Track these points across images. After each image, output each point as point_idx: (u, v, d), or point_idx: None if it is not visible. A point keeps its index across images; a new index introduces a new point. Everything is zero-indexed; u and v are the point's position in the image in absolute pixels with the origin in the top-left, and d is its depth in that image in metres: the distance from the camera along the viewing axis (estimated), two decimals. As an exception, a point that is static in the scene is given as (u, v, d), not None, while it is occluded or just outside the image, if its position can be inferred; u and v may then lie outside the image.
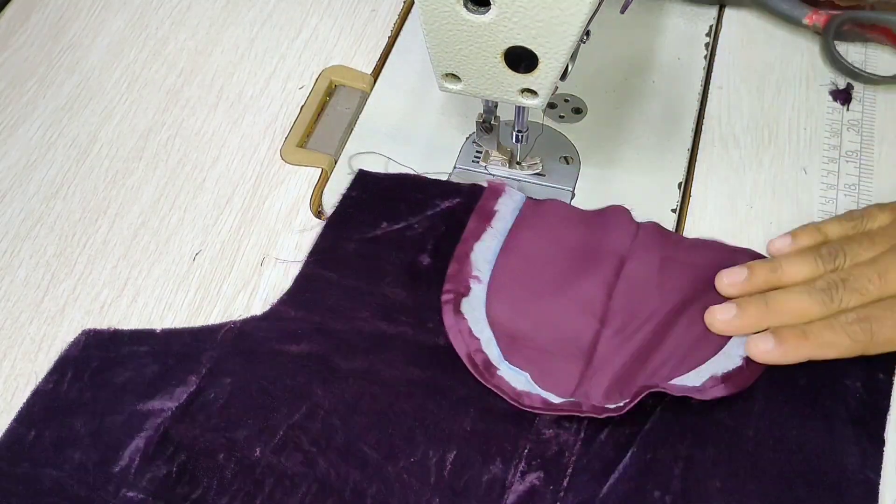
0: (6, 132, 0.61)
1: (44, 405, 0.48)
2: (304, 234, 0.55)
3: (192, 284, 0.53)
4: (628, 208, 0.54)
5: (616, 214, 0.54)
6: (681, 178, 0.58)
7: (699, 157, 0.59)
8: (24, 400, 0.48)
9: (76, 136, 0.61)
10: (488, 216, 0.54)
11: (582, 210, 0.55)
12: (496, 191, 0.55)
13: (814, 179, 0.57)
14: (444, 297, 0.51)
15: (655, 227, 0.54)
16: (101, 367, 0.49)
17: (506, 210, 0.54)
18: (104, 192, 0.58)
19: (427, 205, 0.55)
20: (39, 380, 0.49)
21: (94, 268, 0.54)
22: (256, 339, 0.50)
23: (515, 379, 0.48)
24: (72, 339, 0.51)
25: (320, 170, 0.59)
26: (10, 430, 0.47)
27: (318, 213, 0.57)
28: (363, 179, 0.57)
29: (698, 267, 0.51)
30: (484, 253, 0.53)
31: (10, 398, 0.49)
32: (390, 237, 0.54)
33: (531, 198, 0.56)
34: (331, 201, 0.57)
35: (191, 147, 0.60)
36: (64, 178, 0.59)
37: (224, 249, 0.55)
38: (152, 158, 0.60)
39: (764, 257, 0.53)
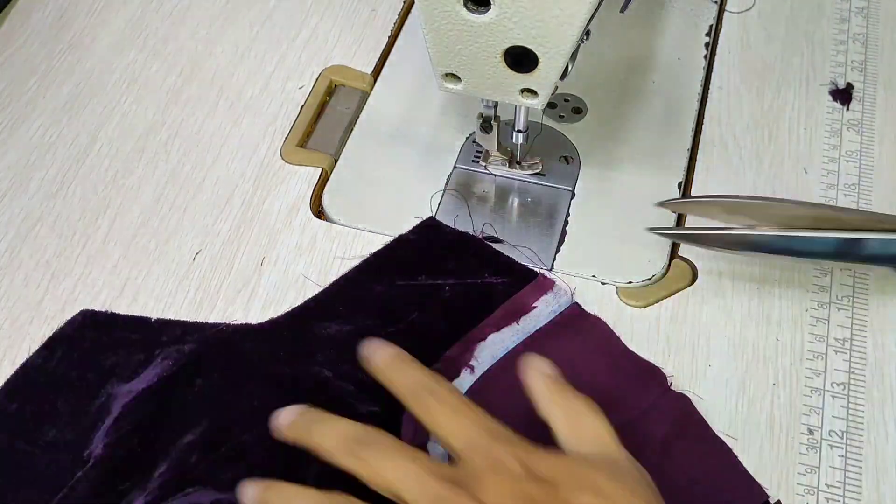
0: (6, 132, 0.61)
1: (30, 379, 0.48)
2: (306, 234, 0.55)
3: (191, 284, 0.53)
4: (666, 375, 0.49)
5: (651, 373, 0.49)
6: (681, 178, 0.58)
7: (699, 157, 0.59)
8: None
9: (76, 136, 0.61)
10: (519, 312, 0.50)
11: (619, 346, 0.50)
12: (542, 287, 0.52)
13: (814, 179, 0.58)
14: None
15: (679, 405, 0.48)
16: (92, 349, 0.49)
17: (543, 310, 0.51)
18: (104, 192, 0.58)
19: (474, 272, 0.52)
20: (31, 353, 0.50)
21: (94, 268, 0.54)
22: (240, 352, 0.49)
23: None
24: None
25: (320, 170, 0.59)
26: None
27: (318, 213, 0.57)
28: (429, 228, 0.55)
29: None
30: (493, 346, 0.49)
31: (10, 398, 0.49)
32: (420, 290, 0.51)
33: (578, 304, 0.51)
34: (331, 201, 0.57)
35: (191, 147, 0.60)
36: (64, 178, 0.59)
37: (224, 249, 0.55)
38: (152, 158, 0.60)
39: None
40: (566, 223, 0.56)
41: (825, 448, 0.47)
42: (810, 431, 0.48)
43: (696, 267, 0.54)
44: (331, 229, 0.56)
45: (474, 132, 0.59)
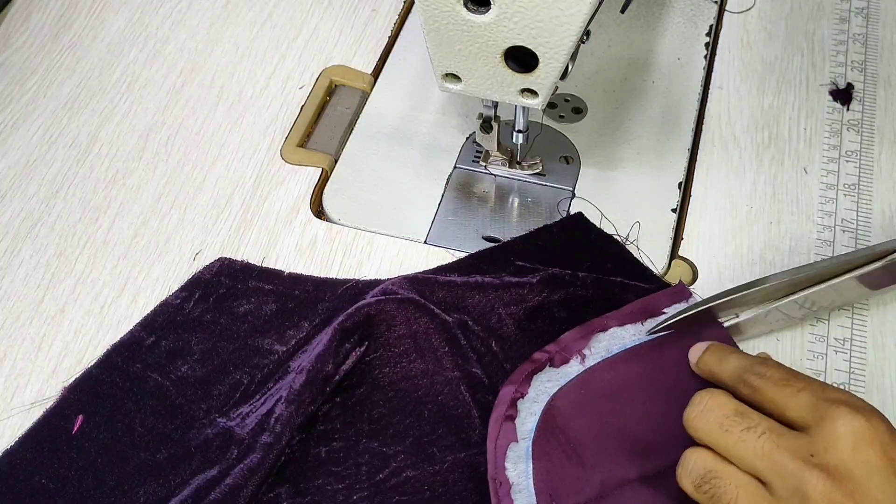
0: (6, 132, 0.61)
1: (167, 316, 0.52)
2: (306, 234, 0.55)
3: (192, 284, 0.53)
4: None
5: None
6: (681, 178, 0.58)
7: (699, 157, 0.59)
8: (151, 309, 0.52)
9: (76, 136, 0.61)
10: (648, 313, 0.49)
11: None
12: (679, 294, 0.50)
13: (814, 179, 0.58)
14: (524, 366, 0.48)
15: None
16: (227, 295, 0.52)
17: (672, 313, 0.49)
18: (104, 192, 0.58)
19: (606, 270, 0.52)
20: (170, 293, 0.52)
21: (94, 268, 0.54)
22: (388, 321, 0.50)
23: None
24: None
25: (320, 169, 0.59)
26: (133, 332, 0.51)
27: (319, 213, 0.57)
28: (576, 223, 0.55)
29: None
30: (611, 340, 0.49)
31: (10, 398, 0.49)
32: (548, 279, 0.51)
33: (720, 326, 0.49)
34: (331, 201, 0.57)
35: (191, 147, 0.60)
36: (64, 178, 0.59)
37: (224, 249, 0.55)
38: (152, 158, 0.60)
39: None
40: (566, 223, 0.56)
41: (825, 448, 0.47)
42: (810, 431, 0.47)
43: (696, 267, 0.54)
44: (331, 229, 0.56)
45: (474, 132, 0.59)
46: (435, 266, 0.53)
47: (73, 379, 0.49)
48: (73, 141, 0.61)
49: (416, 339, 0.49)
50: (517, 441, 0.46)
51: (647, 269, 0.53)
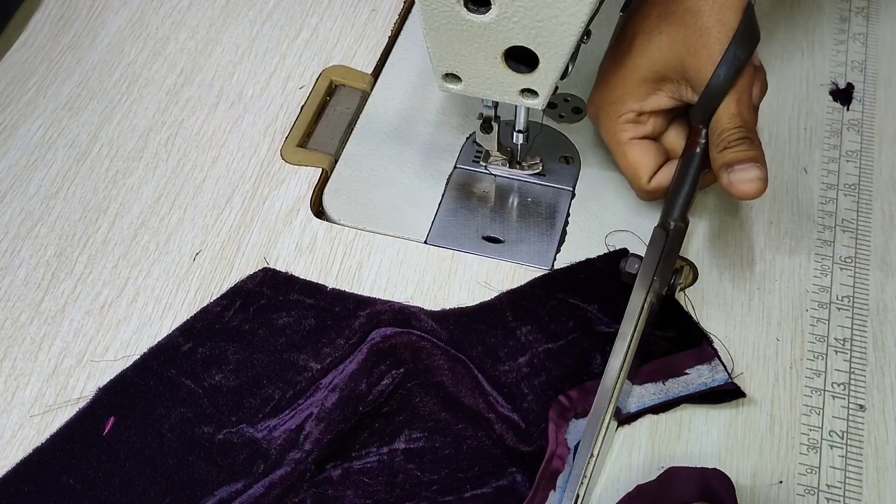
0: (6, 132, 0.61)
1: (206, 323, 0.51)
2: (306, 234, 0.55)
3: (191, 284, 0.53)
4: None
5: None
6: (681, 178, 0.58)
7: (699, 157, 0.59)
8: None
9: (76, 136, 0.61)
10: (669, 373, 0.49)
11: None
12: (701, 356, 0.49)
13: (814, 179, 0.58)
14: (561, 398, 0.48)
15: None
16: (268, 306, 0.52)
17: (694, 378, 0.49)
18: (104, 192, 0.58)
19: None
20: (211, 300, 0.52)
21: (94, 268, 0.54)
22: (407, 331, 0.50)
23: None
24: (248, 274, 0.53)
25: (320, 169, 0.59)
26: (171, 337, 0.51)
27: (319, 213, 0.57)
28: (619, 258, 0.53)
29: None
30: (631, 397, 0.48)
31: (11, 398, 0.49)
32: (588, 319, 0.51)
33: (734, 383, 0.48)
34: (331, 201, 0.57)
35: (191, 147, 0.60)
36: (64, 178, 0.59)
37: (224, 249, 0.55)
38: (152, 158, 0.60)
39: None
40: (566, 223, 0.56)
41: (825, 448, 0.47)
42: (810, 431, 0.48)
43: (696, 267, 0.54)
44: (331, 229, 0.56)
45: (474, 132, 0.59)
46: (457, 307, 0.52)
47: (107, 381, 0.49)
48: (73, 141, 0.61)
49: (454, 372, 0.49)
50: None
51: (684, 312, 0.51)
